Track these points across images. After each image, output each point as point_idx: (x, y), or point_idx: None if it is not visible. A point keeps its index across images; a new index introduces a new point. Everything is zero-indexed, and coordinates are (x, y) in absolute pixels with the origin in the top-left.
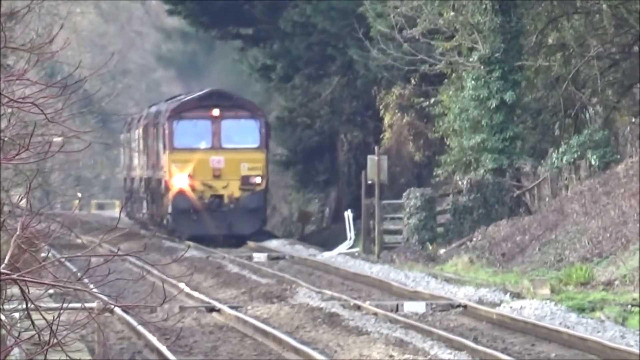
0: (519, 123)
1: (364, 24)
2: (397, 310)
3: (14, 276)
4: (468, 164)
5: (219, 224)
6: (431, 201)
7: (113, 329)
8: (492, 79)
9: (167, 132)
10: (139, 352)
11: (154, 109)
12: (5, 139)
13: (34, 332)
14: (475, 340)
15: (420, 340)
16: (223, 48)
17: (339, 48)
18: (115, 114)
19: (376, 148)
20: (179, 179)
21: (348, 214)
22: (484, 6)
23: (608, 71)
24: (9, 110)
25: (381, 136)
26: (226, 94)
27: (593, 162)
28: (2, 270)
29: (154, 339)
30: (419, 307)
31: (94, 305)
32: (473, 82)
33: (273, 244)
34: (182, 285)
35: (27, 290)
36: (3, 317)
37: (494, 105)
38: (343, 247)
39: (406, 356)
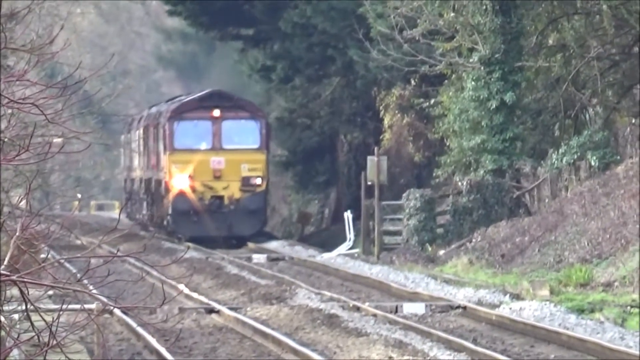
0: (519, 124)
1: (364, 24)
2: (396, 311)
3: (14, 277)
4: (468, 164)
5: (219, 225)
6: (431, 202)
7: (112, 330)
8: (492, 79)
9: (167, 133)
10: (139, 353)
11: (154, 109)
12: (5, 139)
13: (33, 334)
14: (474, 341)
15: (419, 341)
16: (223, 49)
17: (339, 49)
18: (115, 114)
19: (376, 149)
20: (179, 180)
21: (348, 215)
22: (484, 7)
23: (608, 72)
24: (9, 111)
25: (381, 137)
26: (227, 95)
27: (593, 163)
28: (2, 272)
29: (153, 340)
30: (418, 308)
31: (93, 306)
32: (473, 82)
33: (272, 245)
34: (181, 286)
35: (26, 292)
36: (2, 319)
37: (494, 106)
38: (343, 248)
39: (405, 357)
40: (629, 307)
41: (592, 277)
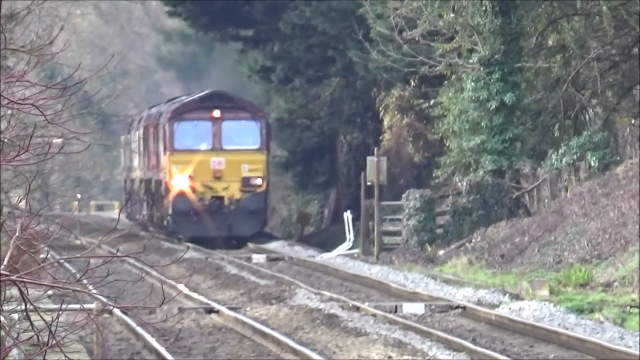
0: (518, 124)
1: (363, 25)
2: (396, 311)
3: (13, 277)
4: (467, 165)
5: (220, 226)
6: (430, 202)
7: (112, 330)
8: (491, 80)
9: (167, 133)
10: (138, 353)
11: (154, 110)
12: (5, 140)
13: (32, 333)
14: (474, 341)
15: (419, 341)
16: (223, 50)
17: (339, 50)
18: (115, 115)
19: (376, 149)
20: (179, 181)
21: (347, 215)
22: (484, 8)
23: (608, 73)
24: (9, 111)
25: (381, 137)
26: (227, 96)
27: (592, 164)
28: (2, 272)
29: (152, 340)
30: (418, 308)
31: (92, 306)
32: (473, 83)
33: (272, 245)
34: (181, 286)
35: (26, 292)
36: (2, 318)
37: (493, 106)
38: (342, 249)
39: (405, 357)
40: (628, 307)
41: (592, 277)
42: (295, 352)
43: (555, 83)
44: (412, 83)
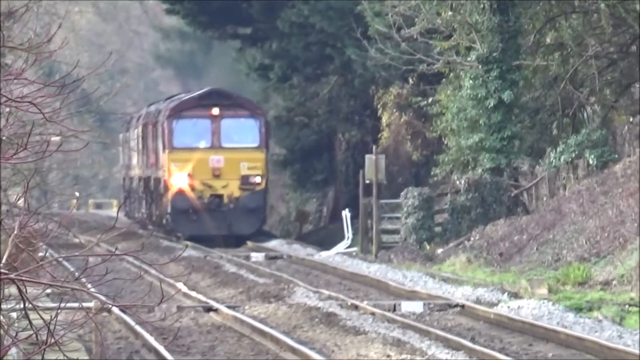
0: (516, 122)
1: (361, 23)
2: (394, 310)
3: (12, 276)
4: (466, 163)
5: (219, 224)
6: (429, 201)
7: (110, 329)
8: (490, 78)
9: (166, 131)
10: (137, 351)
11: (153, 108)
12: (3, 138)
13: (31, 332)
14: (472, 340)
15: (417, 340)
16: (221, 47)
17: (337, 48)
18: (113, 113)
19: (374, 147)
20: (178, 179)
21: (346, 214)
22: (481, 5)
23: (606, 70)
24: (7, 109)
25: (379, 135)
26: (226, 93)
27: (591, 162)
28: (0, 270)
29: (151, 339)
30: (416, 306)
31: (91, 304)
32: (471, 81)
33: (271, 243)
34: (179, 284)
35: (24, 290)
36: (1, 317)
37: (491, 104)
38: (341, 247)
39: (404, 356)
40: (627, 306)
41: (590, 276)
42: (294, 350)
43: (553, 81)
44: (411, 81)
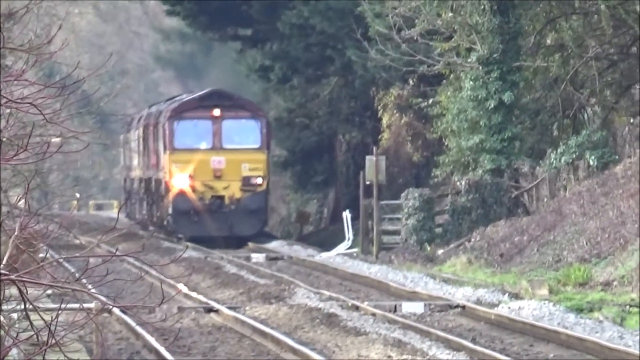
0: (517, 124)
1: (362, 24)
2: (395, 310)
3: (13, 277)
4: (466, 164)
5: (220, 225)
6: (429, 202)
7: (111, 330)
8: (490, 79)
9: (167, 132)
10: (137, 352)
11: (154, 109)
12: (4, 139)
13: (32, 333)
14: (473, 340)
15: (418, 340)
16: (221, 49)
17: (338, 49)
18: (113, 114)
19: (374, 148)
20: (179, 180)
21: (346, 215)
22: (482, 7)
23: (606, 72)
24: (8, 110)
25: (379, 137)
26: (227, 94)
27: (591, 163)
28: (1, 271)
29: (152, 340)
30: (417, 307)
31: (92, 305)
32: (471, 82)
33: (271, 244)
34: (180, 285)
35: (25, 291)
36: (1, 318)
37: (492, 105)
38: (341, 248)
39: (404, 356)
40: (627, 307)
41: (591, 277)
42: (294, 351)
43: (553, 82)
44: (411, 82)
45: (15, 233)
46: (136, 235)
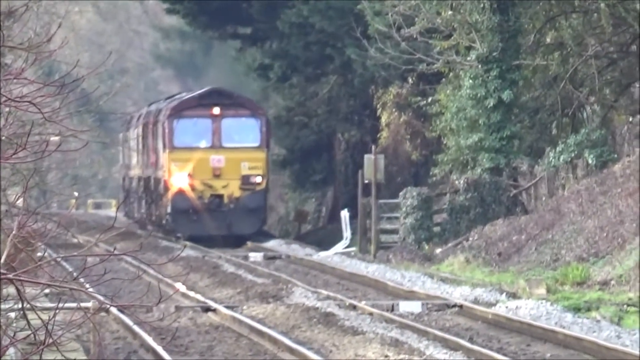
0: (516, 122)
1: (361, 23)
2: (392, 310)
3: (10, 276)
4: (465, 163)
5: (219, 224)
6: (428, 200)
7: (109, 329)
8: (489, 78)
9: (167, 130)
10: (135, 352)
11: (153, 107)
12: (3, 138)
13: (29, 332)
14: (470, 340)
15: (415, 340)
16: (221, 47)
17: (337, 47)
18: (112, 113)
19: (373, 147)
20: (178, 178)
21: (344, 214)
22: (481, 5)
23: (606, 70)
24: (7, 109)
25: (378, 135)
26: (226, 93)
27: (590, 162)
28: None
29: (149, 339)
30: (414, 306)
31: (89, 305)
32: (470, 81)
33: (269, 243)
34: (178, 284)
35: (23, 290)
36: None
37: (491, 104)
38: (339, 247)
39: (402, 356)
40: (625, 306)
41: (589, 276)
42: (292, 351)
43: (553, 80)
44: (410, 80)
45: (14, 232)
46: (134, 234)
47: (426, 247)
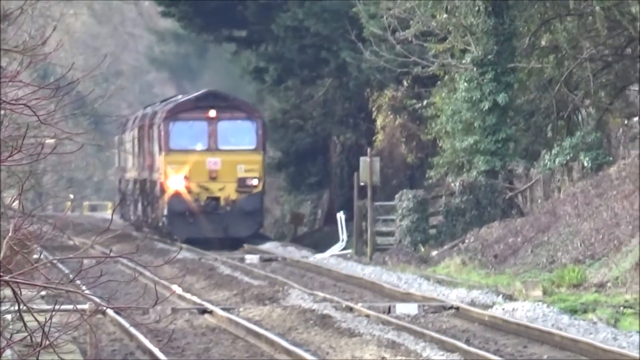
0: (511, 125)
1: (356, 25)
2: (389, 312)
3: (6, 278)
4: (460, 165)
5: (215, 227)
6: (424, 203)
7: (105, 331)
8: (484, 80)
9: (162, 133)
10: (131, 353)
11: (149, 110)
12: None
13: (26, 334)
14: (467, 342)
15: (412, 342)
16: (216, 50)
17: (332, 50)
18: (108, 115)
19: (369, 150)
20: (174, 181)
21: (340, 216)
22: (476, 8)
23: (601, 73)
24: (2, 112)
25: (374, 138)
26: (222, 95)
27: (585, 164)
28: None
29: (146, 341)
30: (411, 308)
31: (86, 306)
32: (466, 84)
33: (265, 245)
34: (174, 286)
35: (19, 292)
36: None
37: (486, 107)
38: (335, 249)
39: (398, 358)
40: (621, 308)
41: (585, 278)
42: (288, 352)
43: (548, 83)
44: (405, 83)
45: (9, 234)
46: (130, 236)
47: (422, 249)
